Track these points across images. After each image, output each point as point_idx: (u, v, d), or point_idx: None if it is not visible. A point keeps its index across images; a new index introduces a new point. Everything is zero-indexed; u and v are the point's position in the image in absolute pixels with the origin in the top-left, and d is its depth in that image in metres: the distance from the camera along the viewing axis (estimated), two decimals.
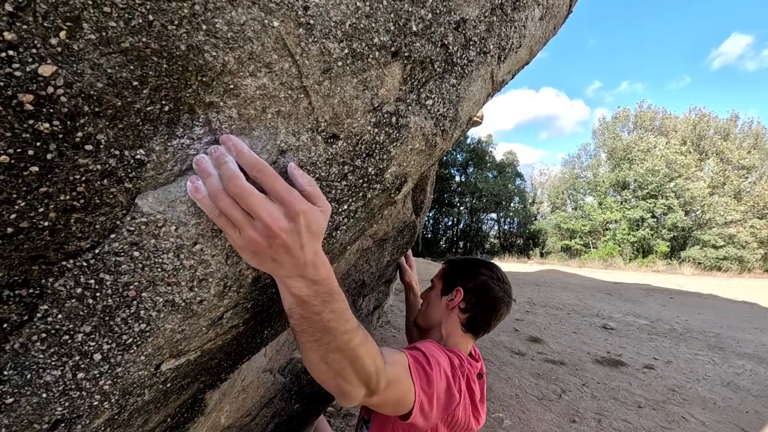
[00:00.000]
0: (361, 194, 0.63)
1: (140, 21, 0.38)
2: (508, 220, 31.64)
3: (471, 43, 0.65)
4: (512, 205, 30.04)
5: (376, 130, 0.58)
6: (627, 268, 19.50)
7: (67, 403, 0.48)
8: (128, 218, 0.45)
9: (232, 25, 0.42)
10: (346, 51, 0.50)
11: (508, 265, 19.79)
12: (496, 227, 32.55)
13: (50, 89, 0.35)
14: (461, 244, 31.54)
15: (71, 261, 0.43)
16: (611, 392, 3.62)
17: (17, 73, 0.33)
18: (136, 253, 0.46)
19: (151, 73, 0.40)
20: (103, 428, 0.53)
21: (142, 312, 0.49)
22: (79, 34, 0.35)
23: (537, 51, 0.85)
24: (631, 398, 3.52)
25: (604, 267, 19.51)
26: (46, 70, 0.34)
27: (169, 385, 0.60)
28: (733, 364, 4.51)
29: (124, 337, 0.49)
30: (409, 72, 0.58)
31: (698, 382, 3.94)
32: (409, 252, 1.73)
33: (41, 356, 0.45)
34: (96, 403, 0.50)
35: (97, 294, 0.45)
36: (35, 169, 0.37)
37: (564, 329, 5.27)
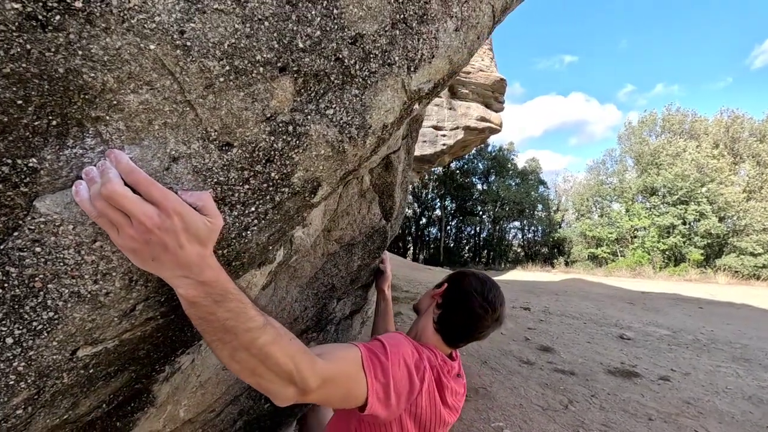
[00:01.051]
0: (268, 197, 0.68)
1: (19, 50, 0.44)
2: (532, 228, 31.03)
3: (371, 56, 0.70)
4: (536, 213, 29.48)
5: (272, 138, 0.64)
6: (657, 277, 18.76)
7: None
8: (29, 218, 0.51)
9: (108, 50, 0.49)
10: (228, 68, 0.56)
11: (531, 273, 19.39)
12: (519, 236, 31.98)
13: None
14: (484, 253, 31.08)
15: None
16: (621, 404, 3.50)
17: None
18: (38, 249, 0.53)
19: (33, 93, 0.47)
20: (23, 406, 0.59)
21: (49, 301, 0.55)
22: None
23: (461, 60, 0.89)
24: (642, 410, 3.40)
25: (633, 276, 18.84)
26: None
27: (91, 371, 0.66)
28: (758, 377, 4.28)
29: (34, 323, 0.55)
30: (302, 84, 0.64)
31: (717, 395, 3.77)
32: (387, 255, 1.77)
33: None
34: (12, 382, 0.56)
35: (5, 285, 0.52)
36: None
37: (577, 339, 5.14)
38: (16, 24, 0.44)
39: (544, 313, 6.52)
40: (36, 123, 0.48)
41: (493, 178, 29.82)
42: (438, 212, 31.44)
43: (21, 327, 0.54)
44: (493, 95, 16.60)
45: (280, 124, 0.64)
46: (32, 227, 0.52)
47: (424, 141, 15.36)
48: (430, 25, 0.77)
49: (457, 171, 29.45)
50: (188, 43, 0.53)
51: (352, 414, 1.02)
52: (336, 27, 0.65)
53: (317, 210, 1.14)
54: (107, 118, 0.52)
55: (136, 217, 0.52)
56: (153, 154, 0.55)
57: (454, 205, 31.27)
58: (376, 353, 0.93)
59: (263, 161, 0.64)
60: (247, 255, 0.74)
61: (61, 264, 0.54)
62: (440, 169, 28.19)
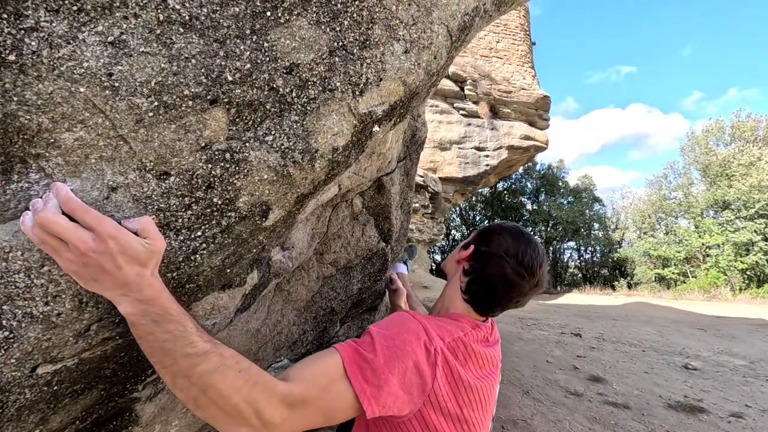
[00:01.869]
0: (214, 222, 0.72)
1: None
2: (590, 248, 29.30)
3: (309, 83, 0.73)
4: (593, 232, 27.87)
5: (209, 166, 0.67)
6: (737, 299, 16.87)
7: None
8: None
9: (41, 95, 0.55)
10: (156, 104, 0.61)
11: (589, 297, 18.21)
12: (575, 256, 30.30)
13: None
14: None
15: None
16: None
17: None
18: None
19: None
20: None
21: (4, 321, 0.61)
22: None
23: (418, 81, 0.89)
24: None
25: (707, 299, 17.09)
26: None
27: (55, 388, 0.71)
28: None
29: None
30: (236, 114, 0.68)
31: None
32: (395, 275, 1.74)
33: None
34: None
35: None
36: None
37: (634, 368, 4.71)
38: None
39: (597, 339, 6.06)
40: None
41: (543, 197, 28.76)
42: None
43: None
44: (536, 113, 16.24)
45: (217, 152, 0.67)
46: None
47: (467, 162, 15.24)
48: (374, 49, 0.79)
49: (505, 191, 28.75)
50: (116, 84, 0.58)
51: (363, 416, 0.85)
52: (267, 59, 0.68)
53: (300, 233, 1.17)
54: (47, 154, 0.58)
55: (71, 242, 0.57)
56: (92, 185, 0.61)
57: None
58: (362, 353, 0.81)
59: (203, 188, 0.68)
60: (201, 277, 0.77)
61: (13, 287, 0.60)
62: (486, 190, 27.71)
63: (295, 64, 0.71)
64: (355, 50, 0.77)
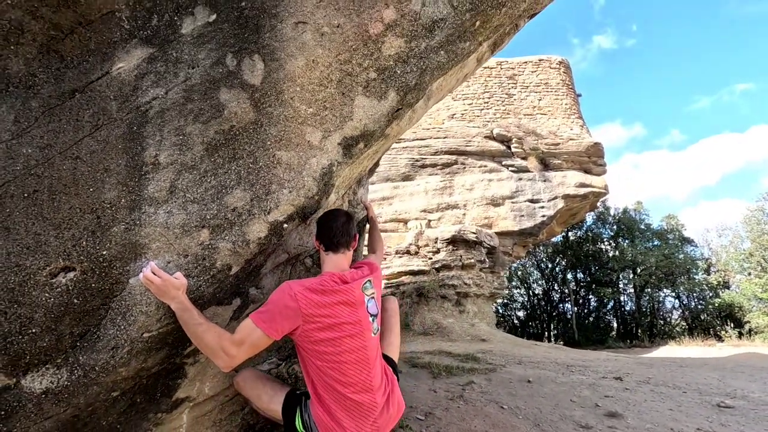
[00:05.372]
0: (207, 273, 1.77)
1: (119, 239, 1.64)
2: (694, 295, 26.20)
3: (243, 214, 1.79)
4: (690, 276, 25.11)
5: (203, 250, 1.74)
6: None
7: (114, 341, 1.67)
8: (128, 285, 1.67)
9: (145, 232, 1.66)
10: (182, 230, 1.70)
11: (686, 349, 16.40)
12: (675, 304, 27.19)
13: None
14: (633, 328, 26.88)
15: (115, 299, 1.67)
16: None
17: None
18: (129, 296, 1.67)
19: (126, 250, 1.65)
20: (126, 354, 1.70)
21: (134, 313, 1.68)
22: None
23: (302, 201, 1.91)
24: None
25: None
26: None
27: (150, 344, 1.75)
28: None
29: (129, 320, 1.68)
30: (212, 230, 1.75)
31: None
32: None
33: (110, 325, 1.67)
34: (123, 342, 1.68)
35: (120, 309, 1.67)
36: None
37: (659, 406, 4.76)
38: (124, 230, 1.64)
39: (638, 383, 5.99)
40: (126, 256, 1.66)
41: (625, 242, 26.97)
42: (571, 285, 28.96)
43: (124, 322, 1.68)
44: (590, 160, 16.29)
45: (206, 245, 1.74)
46: (128, 288, 1.68)
47: (522, 215, 15.51)
48: (273, 194, 1.84)
49: (580, 240, 27.54)
50: (168, 226, 1.69)
51: (298, 347, 1.91)
52: (223, 207, 1.76)
53: (268, 280, 2.19)
54: (145, 252, 1.68)
55: (152, 283, 1.64)
56: (161, 261, 1.70)
57: (588, 278, 28.65)
58: (260, 311, 1.74)
59: (201, 259, 1.75)
60: (204, 298, 1.81)
61: (135, 300, 1.68)
62: (560, 239, 26.90)
63: (235, 207, 1.78)
64: (263, 196, 1.83)
